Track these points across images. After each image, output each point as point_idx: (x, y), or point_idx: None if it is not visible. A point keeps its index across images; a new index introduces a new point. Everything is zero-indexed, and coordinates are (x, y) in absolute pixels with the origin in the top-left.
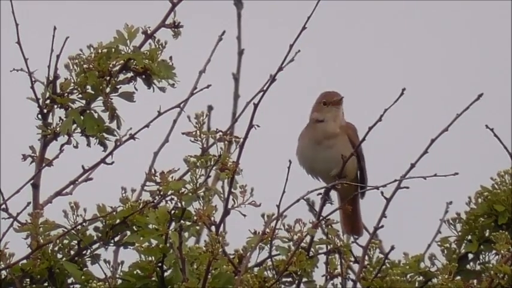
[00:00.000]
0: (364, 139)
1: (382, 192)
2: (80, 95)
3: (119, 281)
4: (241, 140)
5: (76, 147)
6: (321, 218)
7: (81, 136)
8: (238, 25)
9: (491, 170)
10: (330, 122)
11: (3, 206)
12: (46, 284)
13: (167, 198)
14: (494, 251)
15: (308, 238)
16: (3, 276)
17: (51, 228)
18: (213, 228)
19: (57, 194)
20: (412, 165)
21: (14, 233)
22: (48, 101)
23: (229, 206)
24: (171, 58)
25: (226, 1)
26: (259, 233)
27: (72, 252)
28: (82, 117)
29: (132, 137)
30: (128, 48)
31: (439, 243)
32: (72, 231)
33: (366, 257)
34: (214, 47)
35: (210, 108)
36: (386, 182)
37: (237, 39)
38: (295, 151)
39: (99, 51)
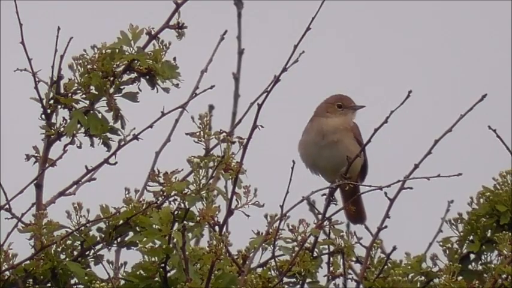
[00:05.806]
0: (369, 140)
1: (385, 193)
2: (84, 96)
3: (122, 282)
4: (245, 140)
5: (79, 147)
6: (325, 218)
7: (84, 136)
8: (239, 25)
9: (493, 170)
10: (340, 121)
11: (7, 206)
12: (49, 285)
13: (170, 199)
14: (496, 251)
15: (312, 238)
16: (6, 277)
17: (55, 229)
18: (216, 228)
19: (61, 194)
20: (416, 166)
21: (17, 233)
22: (51, 101)
23: (233, 207)
24: (175, 59)
25: (226, 0)
26: (262, 233)
27: (75, 253)
28: (86, 117)
29: (135, 137)
30: (131, 48)
31: (440, 243)
32: (75, 232)
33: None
34: (216, 47)
35: (211, 107)
36: (390, 183)
37: (237, 39)
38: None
39: (103, 51)
